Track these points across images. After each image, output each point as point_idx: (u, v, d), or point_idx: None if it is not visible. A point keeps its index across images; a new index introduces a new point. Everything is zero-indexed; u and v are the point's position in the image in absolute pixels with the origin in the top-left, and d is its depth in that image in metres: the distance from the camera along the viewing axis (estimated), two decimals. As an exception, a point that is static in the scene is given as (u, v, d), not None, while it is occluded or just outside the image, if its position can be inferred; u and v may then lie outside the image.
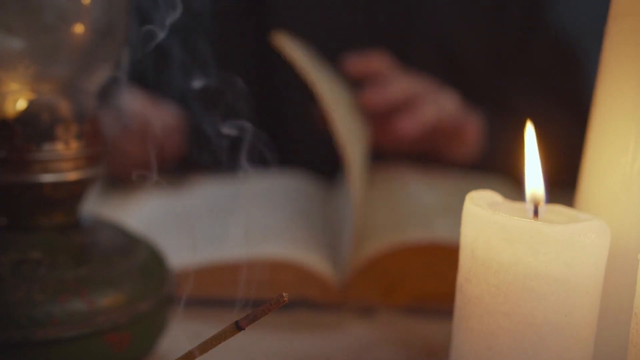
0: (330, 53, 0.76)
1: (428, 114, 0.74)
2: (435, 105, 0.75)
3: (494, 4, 0.91)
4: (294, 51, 0.64)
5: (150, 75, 0.43)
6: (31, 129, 0.41)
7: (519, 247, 0.35)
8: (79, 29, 0.42)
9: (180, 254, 0.51)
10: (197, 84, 0.42)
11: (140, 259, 0.44)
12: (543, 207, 0.38)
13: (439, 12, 0.90)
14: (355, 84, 0.76)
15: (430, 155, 0.80)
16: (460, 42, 0.90)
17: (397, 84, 0.74)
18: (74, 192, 0.43)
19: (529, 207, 0.38)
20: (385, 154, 0.79)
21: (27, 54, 0.41)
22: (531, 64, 0.91)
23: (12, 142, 0.40)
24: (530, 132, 0.39)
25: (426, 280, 0.55)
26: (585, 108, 0.41)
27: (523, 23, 0.92)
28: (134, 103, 0.75)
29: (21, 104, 0.41)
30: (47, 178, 0.41)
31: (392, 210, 0.64)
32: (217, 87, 0.42)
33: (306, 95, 0.64)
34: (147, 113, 0.74)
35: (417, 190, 0.71)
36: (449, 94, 0.78)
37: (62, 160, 0.42)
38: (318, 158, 0.81)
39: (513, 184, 0.70)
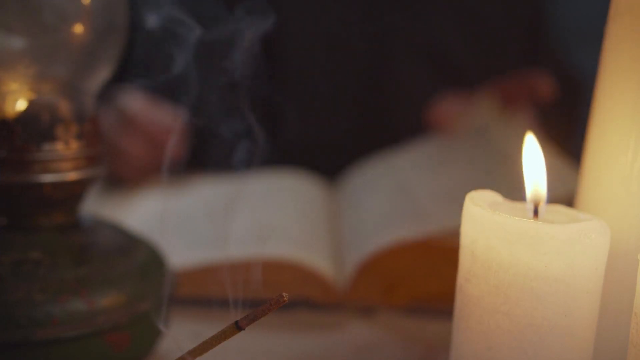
0: (326, 55, 0.76)
1: None
2: None
3: (495, 16, 0.91)
4: None
5: (151, 75, 0.43)
6: (31, 129, 0.41)
7: (519, 247, 0.34)
8: (79, 29, 0.42)
9: (180, 254, 0.50)
10: (197, 82, 0.42)
11: (140, 259, 0.44)
12: (543, 207, 0.38)
13: (437, 21, 0.90)
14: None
15: None
16: (458, 53, 0.89)
17: None
18: (74, 192, 0.43)
19: (529, 207, 0.38)
20: None
21: (27, 54, 0.41)
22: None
23: (12, 142, 0.40)
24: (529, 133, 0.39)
25: (426, 280, 0.55)
26: (583, 122, 0.41)
27: (524, 35, 0.92)
28: (135, 103, 0.75)
29: (21, 104, 0.41)
30: (47, 178, 0.41)
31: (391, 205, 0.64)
32: (218, 86, 0.42)
33: (306, 96, 0.64)
34: (147, 113, 0.75)
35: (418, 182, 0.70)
36: None
37: (62, 160, 0.42)
38: (319, 158, 0.81)
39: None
